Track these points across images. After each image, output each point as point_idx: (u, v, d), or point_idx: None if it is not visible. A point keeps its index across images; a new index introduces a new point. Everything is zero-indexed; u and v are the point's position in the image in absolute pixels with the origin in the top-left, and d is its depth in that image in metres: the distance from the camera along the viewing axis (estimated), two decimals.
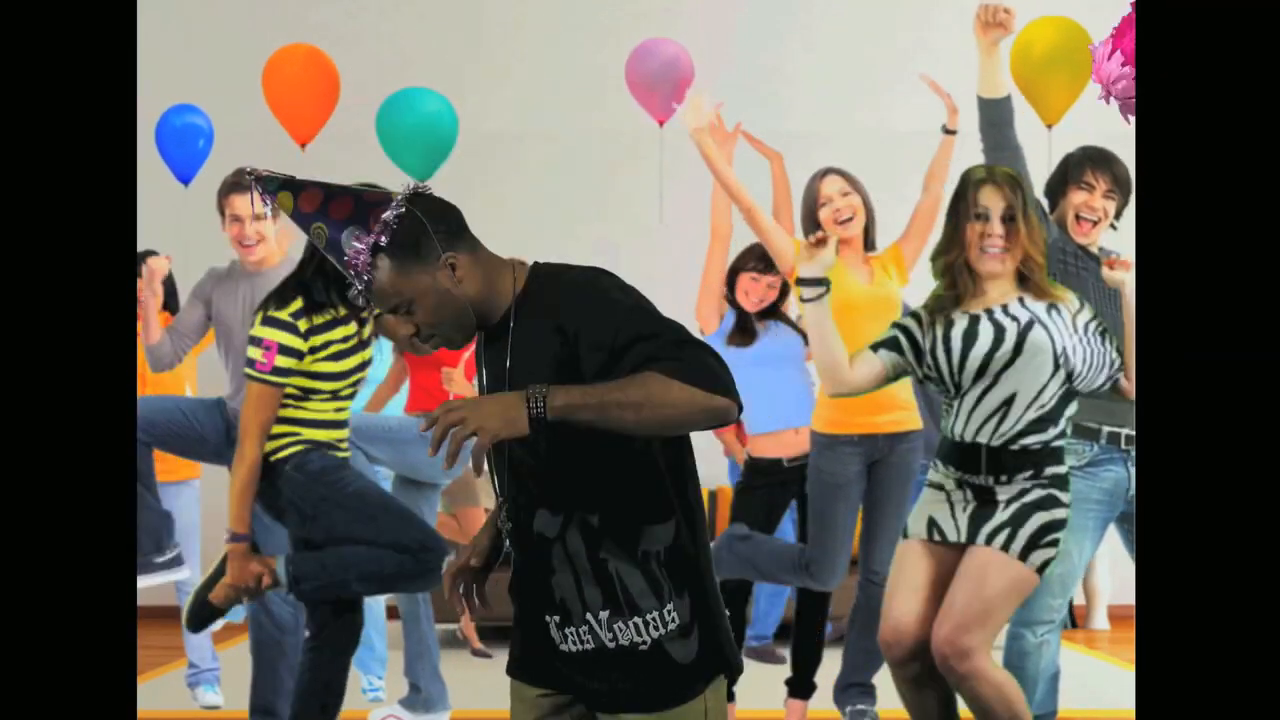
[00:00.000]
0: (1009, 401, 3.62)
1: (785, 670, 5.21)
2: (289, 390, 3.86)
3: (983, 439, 3.64)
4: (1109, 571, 8.27)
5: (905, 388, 4.74)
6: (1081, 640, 7.78)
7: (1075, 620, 8.16)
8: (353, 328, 3.91)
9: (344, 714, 4.10)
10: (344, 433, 3.98)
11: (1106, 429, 4.02)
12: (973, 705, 3.63)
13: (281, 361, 3.79)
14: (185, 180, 6.02)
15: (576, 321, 2.33)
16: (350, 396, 3.98)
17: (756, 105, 7.26)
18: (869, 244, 4.86)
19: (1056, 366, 3.62)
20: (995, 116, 4.11)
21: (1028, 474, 3.63)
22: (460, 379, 5.31)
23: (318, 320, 3.83)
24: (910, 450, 4.76)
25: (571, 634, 2.45)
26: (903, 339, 3.73)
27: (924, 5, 8.59)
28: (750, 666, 5.48)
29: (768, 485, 5.05)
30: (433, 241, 2.39)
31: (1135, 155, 2.58)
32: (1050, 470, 3.64)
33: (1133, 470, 4.03)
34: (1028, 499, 3.62)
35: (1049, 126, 4.65)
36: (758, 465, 5.07)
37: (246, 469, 3.80)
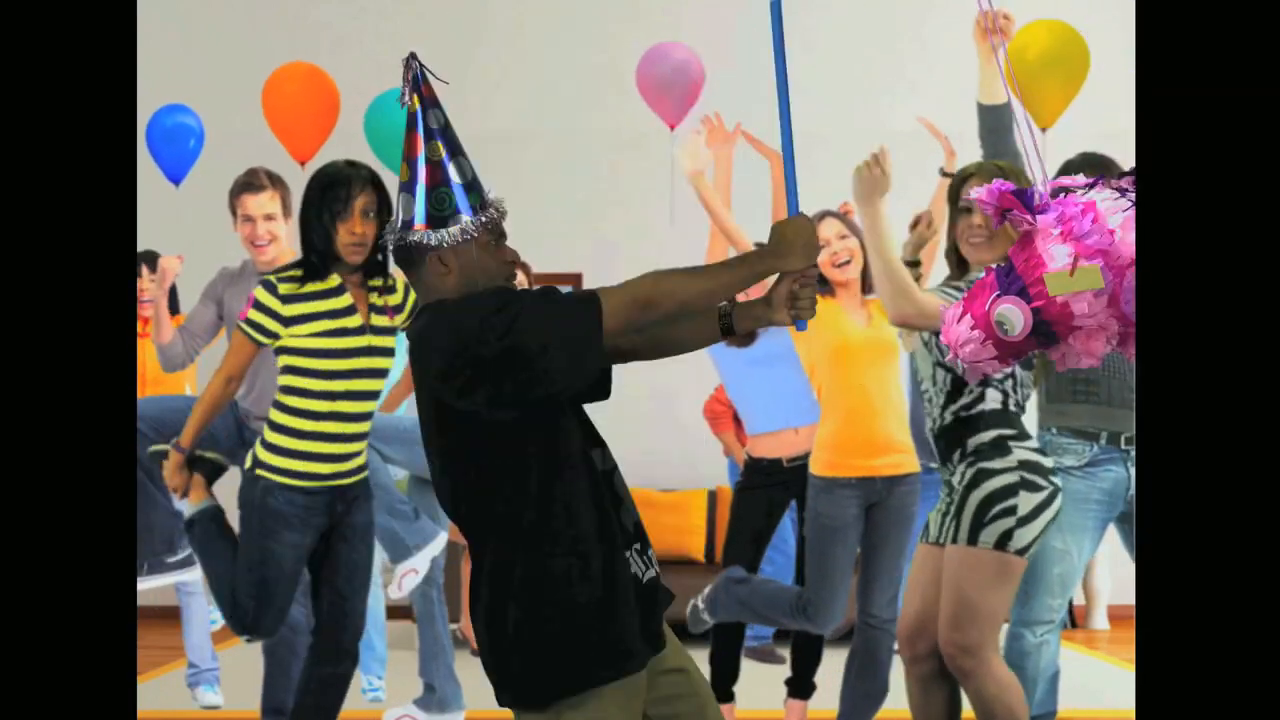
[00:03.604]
0: (926, 390, 3.77)
1: (785, 670, 5.21)
2: (289, 382, 3.85)
3: (930, 433, 3.78)
4: (1109, 571, 8.27)
5: (903, 429, 4.74)
6: (1081, 640, 7.78)
7: (1075, 620, 8.17)
8: (347, 299, 3.87)
9: (344, 714, 4.10)
10: (345, 466, 3.96)
11: (1106, 429, 4.02)
12: (974, 703, 3.64)
13: (255, 315, 3.85)
14: (176, 180, 6.02)
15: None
16: (350, 397, 3.88)
17: (756, 105, 7.25)
18: (866, 287, 4.84)
19: (929, 350, 3.71)
20: (994, 123, 4.11)
21: (957, 454, 3.70)
22: None
23: (304, 289, 3.85)
24: (908, 493, 4.74)
25: (650, 557, 2.60)
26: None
27: (923, 6, 8.59)
28: (750, 666, 5.50)
29: (768, 485, 5.04)
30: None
31: (1135, 155, 2.58)
32: (974, 441, 3.68)
33: (1132, 470, 4.03)
34: (962, 483, 3.69)
35: (1043, 130, 4.65)
36: (758, 465, 5.07)
37: (209, 400, 3.95)
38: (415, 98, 2.57)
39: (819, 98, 8.76)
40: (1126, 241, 2.65)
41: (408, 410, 5.77)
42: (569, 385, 2.46)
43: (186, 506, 4.08)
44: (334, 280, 3.86)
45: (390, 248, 2.59)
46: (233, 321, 4.59)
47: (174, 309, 5.84)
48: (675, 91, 5.76)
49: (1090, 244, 2.66)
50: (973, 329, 2.78)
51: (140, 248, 5.33)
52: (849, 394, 4.61)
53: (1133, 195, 2.72)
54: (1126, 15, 4.87)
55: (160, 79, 7.48)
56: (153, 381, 5.75)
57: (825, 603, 4.68)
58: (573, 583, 2.45)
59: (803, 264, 2.53)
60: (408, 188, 2.57)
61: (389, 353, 3.97)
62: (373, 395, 3.94)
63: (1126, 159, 4.15)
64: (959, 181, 3.75)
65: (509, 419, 2.45)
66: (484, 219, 2.55)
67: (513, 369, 2.41)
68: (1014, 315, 2.71)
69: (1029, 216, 2.73)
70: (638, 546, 2.56)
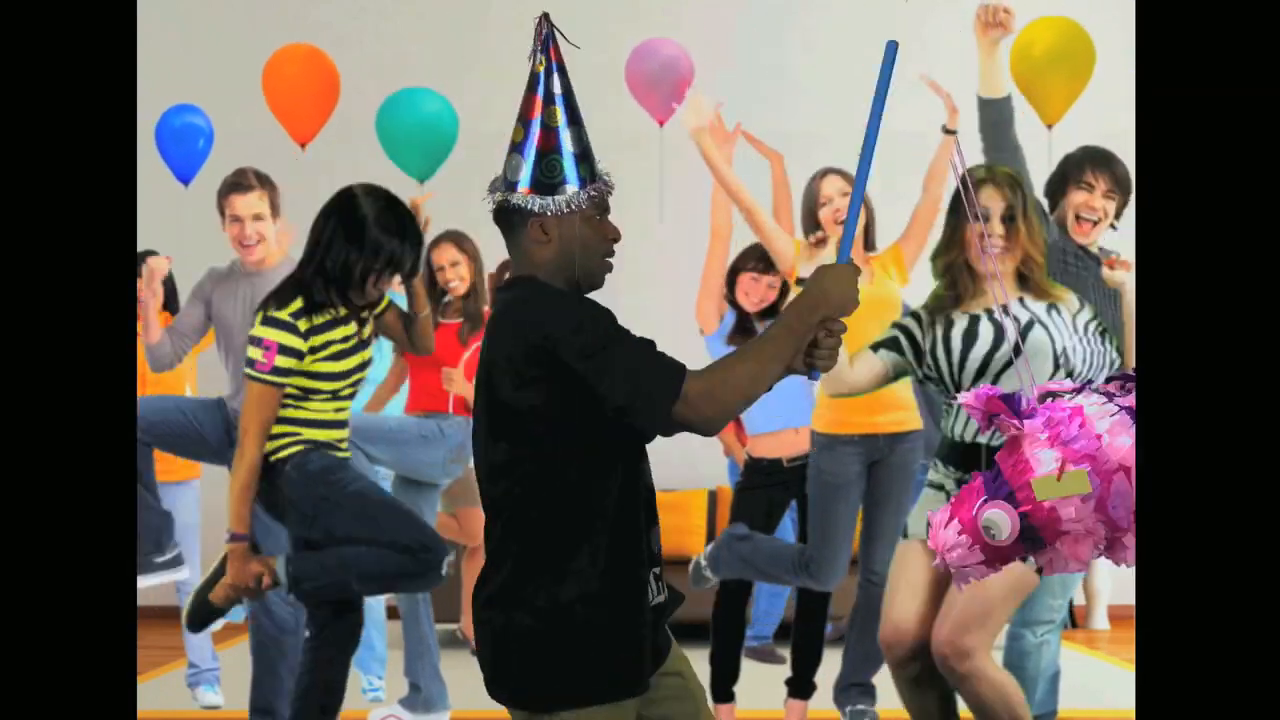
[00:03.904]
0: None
1: (785, 670, 5.21)
2: (289, 390, 3.86)
3: (983, 439, 3.64)
4: (1109, 571, 8.27)
5: (905, 387, 4.74)
6: (1081, 640, 7.78)
7: (1075, 620, 8.16)
8: (352, 328, 3.90)
9: (344, 714, 4.10)
10: (344, 433, 3.97)
11: None
12: (973, 705, 3.63)
13: (281, 361, 3.77)
14: (185, 180, 6.02)
15: None
16: (350, 397, 3.97)
17: (756, 105, 7.24)
18: (869, 244, 4.86)
19: (1056, 366, 3.62)
20: (996, 117, 4.11)
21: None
22: (460, 379, 5.30)
23: (317, 320, 3.82)
24: (910, 450, 4.76)
25: (663, 582, 2.55)
26: (903, 339, 3.75)
27: (923, 6, 8.58)
28: (750, 666, 5.50)
29: (768, 485, 5.05)
30: None
31: (1135, 155, 2.58)
32: None
33: None
34: None
35: (1049, 126, 4.65)
36: (758, 465, 5.07)
37: (246, 469, 3.79)
38: (542, 59, 2.51)
39: (819, 98, 8.77)
40: (1114, 446, 2.66)
41: (392, 411, 5.78)
42: (615, 434, 2.42)
43: (280, 570, 3.86)
44: (343, 309, 3.88)
45: (494, 206, 2.53)
46: (222, 322, 4.59)
47: (175, 310, 5.84)
48: (663, 88, 5.76)
49: (1077, 449, 2.68)
50: (960, 534, 2.78)
51: (142, 248, 5.33)
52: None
53: (1120, 399, 2.73)
54: (1127, 15, 4.86)
55: (161, 79, 7.48)
56: (153, 382, 5.74)
57: (828, 559, 4.69)
58: (597, 597, 2.41)
59: (837, 314, 2.47)
60: (519, 149, 2.51)
61: (373, 353, 4.05)
62: (360, 381, 4.00)
63: (1126, 158, 4.15)
64: (970, 188, 3.71)
65: (567, 423, 2.41)
66: (591, 192, 2.52)
67: (577, 392, 2.37)
68: (1001, 520, 2.72)
69: (1016, 421, 2.74)
70: (656, 571, 2.53)
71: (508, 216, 2.51)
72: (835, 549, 4.70)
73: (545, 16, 2.52)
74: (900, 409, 4.72)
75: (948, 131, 4.83)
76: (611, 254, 2.56)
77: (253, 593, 3.88)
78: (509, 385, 2.41)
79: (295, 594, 3.89)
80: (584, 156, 2.53)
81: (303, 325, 3.78)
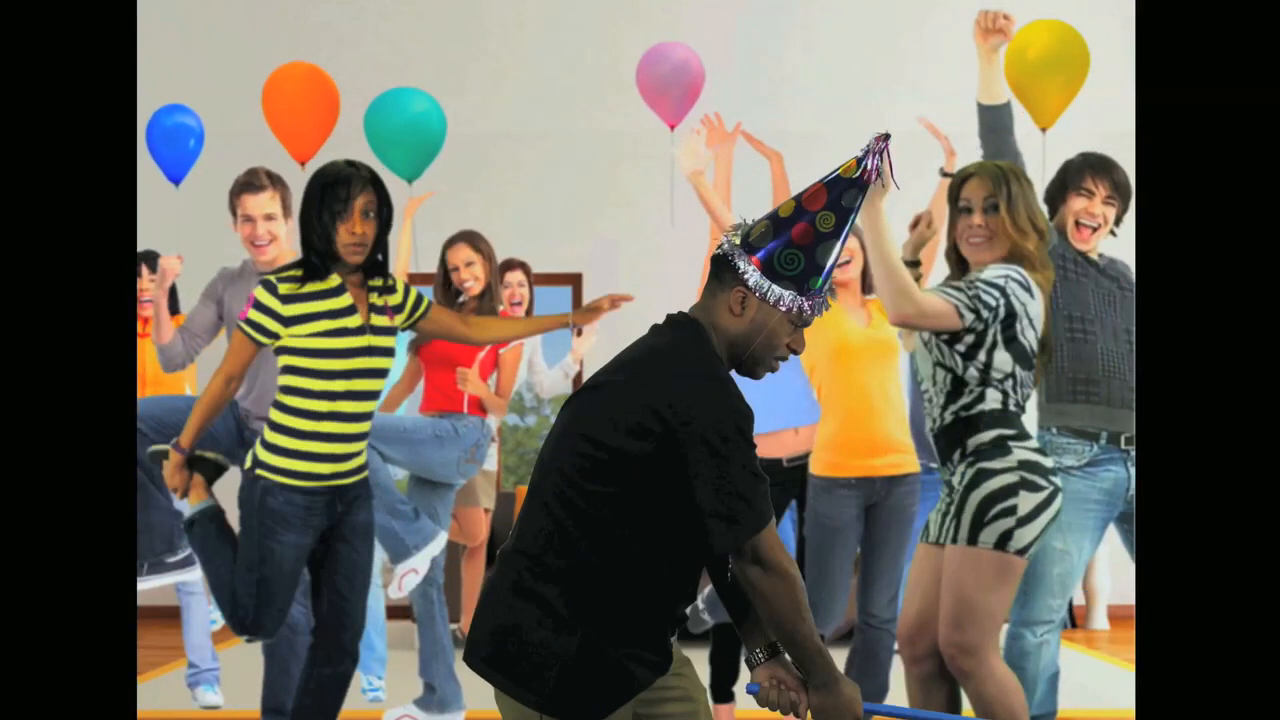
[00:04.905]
0: (926, 390, 3.72)
1: None
2: (288, 384, 3.84)
3: (930, 433, 3.74)
4: (1109, 571, 8.28)
5: (903, 429, 4.74)
6: (1081, 640, 7.78)
7: (1075, 620, 8.17)
8: (347, 299, 3.87)
9: (344, 714, 4.10)
10: (341, 466, 3.94)
11: (1106, 430, 4.03)
12: (975, 704, 3.63)
13: (254, 315, 3.86)
14: (176, 180, 6.02)
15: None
16: (351, 397, 3.88)
17: (756, 105, 7.25)
18: (866, 287, 4.84)
19: (929, 350, 3.67)
20: (995, 123, 4.11)
21: (957, 453, 3.67)
22: (475, 379, 5.29)
23: (304, 289, 3.86)
24: (908, 493, 4.73)
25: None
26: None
27: (923, 6, 8.59)
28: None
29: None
30: None
31: (1135, 157, 2.58)
32: (974, 441, 3.64)
33: (1132, 470, 4.03)
34: (962, 483, 3.65)
35: (1043, 130, 4.65)
36: None
37: (208, 400, 3.93)
38: (855, 169, 2.52)
39: (819, 98, 8.78)
40: None
41: (407, 410, 5.77)
42: (681, 524, 2.45)
43: (186, 507, 4.05)
44: (334, 280, 3.86)
45: (719, 249, 2.56)
46: (233, 322, 4.59)
47: (174, 309, 5.84)
48: (675, 91, 5.77)
49: None
50: None
51: (140, 248, 5.32)
52: (849, 394, 4.61)
53: None
54: (1126, 15, 4.86)
55: (160, 79, 7.48)
56: (153, 381, 5.75)
57: (825, 603, 4.68)
58: (609, 636, 2.46)
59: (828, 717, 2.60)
60: (776, 221, 2.53)
61: (389, 352, 3.95)
62: (373, 395, 3.93)
63: (1126, 161, 4.16)
64: (959, 181, 3.74)
65: (650, 484, 2.45)
66: (805, 304, 2.52)
67: (674, 467, 2.41)
68: None
69: None
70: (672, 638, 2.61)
71: (725, 266, 2.54)
72: (833, 592, 4.69)
73: (888, 137, 2.54)
74: (897, 451, 4.71)
75: (945, 175, 4.83)
76: (784, 361, 2.59)
77: (176, 491, 4.06)
78: (621, 422, 2.42)
79: (184, 524, 4.11)
80: (821, 271, 2.52)
81: (283, 289, 3.85)
